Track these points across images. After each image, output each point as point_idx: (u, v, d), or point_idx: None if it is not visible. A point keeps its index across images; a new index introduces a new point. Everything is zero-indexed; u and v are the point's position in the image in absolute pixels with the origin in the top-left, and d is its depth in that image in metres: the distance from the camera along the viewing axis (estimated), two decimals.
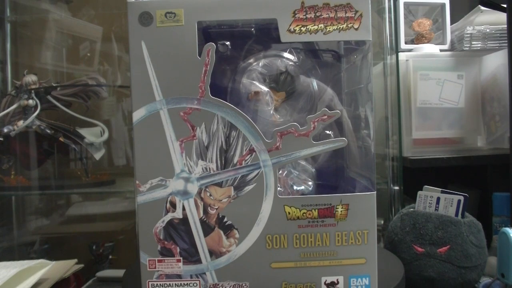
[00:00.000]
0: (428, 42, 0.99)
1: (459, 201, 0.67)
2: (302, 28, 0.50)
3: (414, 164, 0.91)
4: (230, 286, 0.51)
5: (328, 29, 0.50)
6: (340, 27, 0.50)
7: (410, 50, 0.97)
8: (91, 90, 1.01)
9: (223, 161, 0.51)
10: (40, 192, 1.05)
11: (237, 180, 0.51)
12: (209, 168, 0.51)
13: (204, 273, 0.51)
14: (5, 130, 0.94)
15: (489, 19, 0.95)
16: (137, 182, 0.51)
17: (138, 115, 0.51)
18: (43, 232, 1.11)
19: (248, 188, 0.51)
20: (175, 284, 0.51)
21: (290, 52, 0.57)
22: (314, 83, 0.59)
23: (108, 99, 1.08)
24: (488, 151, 0.94)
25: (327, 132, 0.57)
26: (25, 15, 1.15)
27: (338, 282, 0.51)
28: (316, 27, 0.50)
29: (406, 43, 0.99)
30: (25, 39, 1.15)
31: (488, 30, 0.94)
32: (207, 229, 0.51)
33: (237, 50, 0.58)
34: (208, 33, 0.56)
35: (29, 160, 1.02)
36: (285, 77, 0.57)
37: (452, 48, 1.00)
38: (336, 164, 0.61)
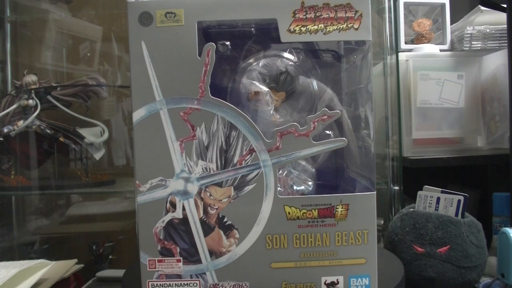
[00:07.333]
0: (428, 42, 0.99)
1: (459, 201, 0.67)
2: (302, 28, 0.50)
3: (414, 164, 0.91)
4: (230, 286, 0.51)
5: (328, 29, 0.50)
6: (340, 27, 0.50)
7: (410, 50, 0.97)
8: (91, 90, 1.01)
9: (223, 161, 0.51)
10: (40, 192, 1.05)
11: (237, 180, 0.51)
12: (209, 168, 0.51)
13: (204, 273, 0.51)
14: (5, 130, 0.94)
15: (489, 19, 0.95)
16: (137, 182, 0.51)
17: (138, 115, 0.51)
18: (43, 232, 1.11)
19: (248, 188, 0.51)
20: (175, 284, 0.51)
21: (290, 52, 0.57)
22: (314, 83, 0.58)
23: (108, 99, 1.08)
24: (488, 151, 0.94)
25: (327, 132, 0.57)
26: (25, 15, 1.14)
27: (338, 282, 0.51)
28: (316, 27, 0.50)
29: (406, 43, 0.99)
30: (25, 39, 1.15)
31: (488, 30, 0.94)
32: (207, 229, 0.51)
33: (237, 50, 0.57)
34: (208, 33, 0.56)
35: (29, 160, 1.02)
36: (285, 77, 0.57)
37: (452, 48, 1.00)
38: (336, 164, 0.61)
